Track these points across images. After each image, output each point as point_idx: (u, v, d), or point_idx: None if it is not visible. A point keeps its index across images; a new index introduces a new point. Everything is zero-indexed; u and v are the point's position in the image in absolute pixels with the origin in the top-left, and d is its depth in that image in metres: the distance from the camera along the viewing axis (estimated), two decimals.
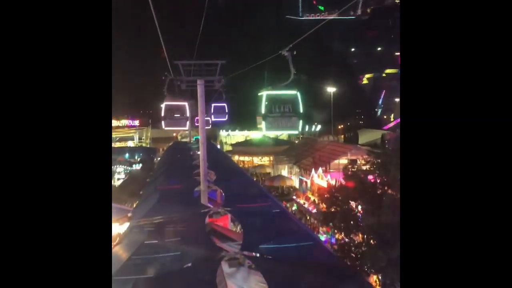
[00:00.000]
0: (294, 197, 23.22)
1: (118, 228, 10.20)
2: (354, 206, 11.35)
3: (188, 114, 10.48)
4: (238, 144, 40.19)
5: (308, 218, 20.25)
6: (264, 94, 6.06)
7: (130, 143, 48.60)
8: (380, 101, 70.90)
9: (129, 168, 28.37)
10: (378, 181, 10.49)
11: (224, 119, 15.16)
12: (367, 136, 34.89)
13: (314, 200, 20.74)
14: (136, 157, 31.58)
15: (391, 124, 49.18)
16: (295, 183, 25.49)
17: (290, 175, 26.89)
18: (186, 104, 10.43)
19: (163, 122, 10.68)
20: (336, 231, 12.08)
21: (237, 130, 46.31)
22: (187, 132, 35.25)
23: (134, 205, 14.15)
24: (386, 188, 9.92)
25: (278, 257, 5.19)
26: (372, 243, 9.22)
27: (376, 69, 76.58)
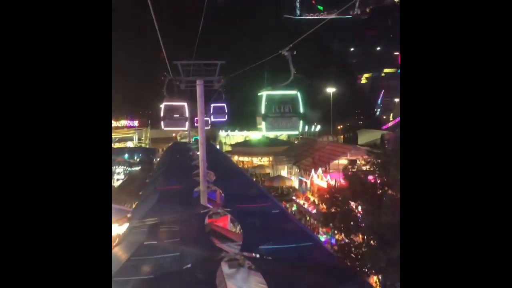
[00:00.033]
0: (294, 197, 23.21)
1: (118, 228, 10.18)
2: (354, 207, 11.34)
3: (187, 114, 10.45)
4: (237, 144, 40.20)
5: (308, 218, 20.25)
6: (264, 94, 6.00)
7: (130, 144, 48.61)
8: (379, 101, 70.97)
9: (129, 168, 28.36)
10: (378, 181, 10.48)
11: (224, 120, 15.10)
12: (367, 136, 34.94)
13: (313, 200, 20.74)
14: (135, 158, 31.57)
15: (390, 124, 49.21)
16: (295, 183, 25.49)
17: (289, 176, 26.89)
18: (185, 104, 10.41)
19: (162, 123, 10.63)
20: (336, 231, 12.08)
21: (236, 131, 46.32)
22: (186, 132, 35.29)
23: (134, 206, 14.14)
24: (386, 188, 9.91)
25: (278, 257, 5.18)
26: (372, 243, 9.22)
27: (375, 69, 76.65)
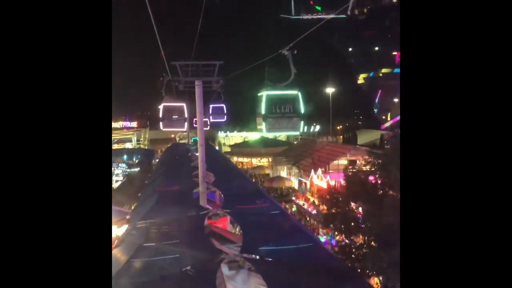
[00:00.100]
0: (293, 198, 23.19)
1: (117, 230, 10.16)
2: (354, 208, 11.32)
3: (186, 115, 10.42)
4: (236, 145, 40.17)
5: (307, 219, 20.23)
6: (264, 94, 5.95)
7: (128, 145, 48.56)
8: (377, 101, 71.08)
9: (128, 170, 28.33)
10: (379, 182, 10.45)
11: (223, 120, 15.07)
12: (366, 137, 34.95)
13: (313, 201, 20.72)
14: (134, 159, 31.54)
15: (388, 124, 49.27)
16: (294, 184, 25.47)
17: (289, 176, 26.86)
18: (184, 105, 10.38)
19: (161, 124, 10.60)
20: (336, 232, 12.05)
21: (235, 131, 46.29)
22: (185, 133, 35.27)
23: (133, 207, 14.12)
24: (387, 189, 9.88)
25: (278, 259, 5.17)
26: (373, 244, 9.20)
27: (373, 68, 76.71)
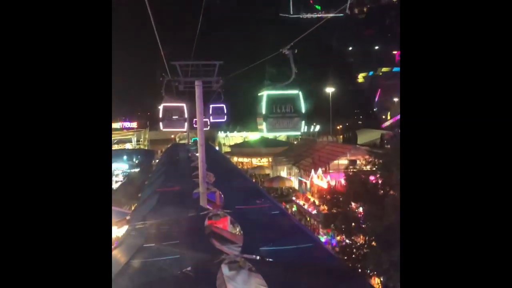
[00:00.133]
0: (294, 198, 23.18)
1: (117, 231, 10.16)
2: (355, 208, 11.30)
3: (186, 115, 10.41)
4: (236, 145, 40.15)
5: (308, 219, 20.22)
6: (264, 94, 5.89)
7: (128, 145, 48.56)
8: (376, 100, 71.01)
9: (128, 170, 28.33)
10: (380, 182, 10.42)
11: (223, 120, 15.04)
12: (366, 136, 34.94)
13: (313, 201, 20.71)
14: (134, 160, 31.53)
15: (387, 123, 49.27)
16: (294, 184, 25.46)
17: (289, 176, 26.85)
18: (184, 105, 10.37)
19: (161, 124, 10.58)
20: (337, 232, 12.03)
21: (235, 132, 46.27)
22: (185, 133, 35.25)
23: (133, 208, 14.11)
24: (388, 189, 9.86)
25: (278, 259, 5.16)
26: (374, 244, 9.18)
27: (373, 68, 76.64)
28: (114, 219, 9.77)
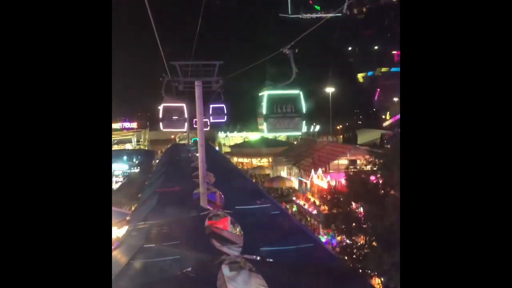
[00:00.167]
0: (294, 198, 23.17)
1: (117, 231, 10.15)
2: (355, 208, 11.29)
3: (186, 115, 10.40)
4: (236, 145, 40.14)
5: (308, 219, 20.22)
6: (265, 93, 5.86)
7: (128, 146, 48.55)
8: (376, 100, 71.00)
9: (128, 171, 28.33)
10: (381, 181, 10.40)
11: (223, 120, 15.03)
12: (366, 136, 34.94)
13: (314, 201, 20.70)
14: (134, 160, 31.53)
15: (387, 123, 49.28)
16: (295, 184, 25.45)
17: (289, 176, 26.84)
18: (184, 105, 10.37)
19: (161, 124, 10.58)
20: (337, 232, 12.01)
21: (235, 132, 46.25)
22: (185, 134, 35.24)
23: (133, 208, 14.11)
24: (389, 189, 9.84)
25: (278, 259, 5.16)
26: (375, 245, 9.17)
27: (373, 68, 76.62)
28: (114, 220, 9.76)
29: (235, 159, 34.17)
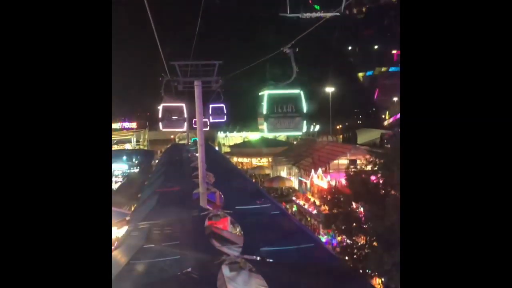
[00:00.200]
0: (294, 198, 23.18)
1: (117, 231, 10.15)
2: (355, 208, 11.29)
3: (186, 115, 10.39)
4: (236, 145, 40.14)
5: (308, 219, 20.23)
6: (265, 93, 5.83)
7: (128, 146, 48.57)
8: (375, 99, 71.06)
9: (127, 171, 28.34)
10: (381, 181, 10.40)
11: (223, 120, 15.01)
12: (366, 136, 34.98)
13: (314, 201, 20.71)
14: (133, 160, 31.54)
15: (387, 123, 49.37)
16: (294, 184, 25.46)
17: (289, 176, 26.85)
18: (183, 105, 10.36)
19: (160, 124, 10.56)
20: (337, 233, 12.02)
21: (235, 132, 46.26)
22: (185, 134, 35.24)
23: (133, 208, 14.11)
24: (389, 188, 9.84)
25: (279, 259, 5.15)
26: (376, 245, 9.17)
27: (372, 67, 76.69)
28: (114, 220, 9.76)
29: (234, 159, 34.18)
